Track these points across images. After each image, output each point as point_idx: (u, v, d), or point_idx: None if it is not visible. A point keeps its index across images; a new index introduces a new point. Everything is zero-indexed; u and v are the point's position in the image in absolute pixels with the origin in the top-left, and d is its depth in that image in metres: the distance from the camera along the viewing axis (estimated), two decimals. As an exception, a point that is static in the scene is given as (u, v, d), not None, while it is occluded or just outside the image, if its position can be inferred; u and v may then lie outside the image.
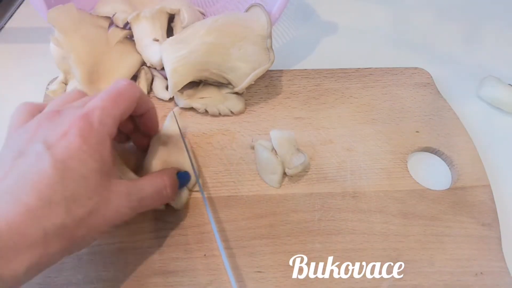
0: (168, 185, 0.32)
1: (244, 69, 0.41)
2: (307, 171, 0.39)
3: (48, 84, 0.45)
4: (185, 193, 0.36)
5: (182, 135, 0.38)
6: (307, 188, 0.38)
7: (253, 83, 0.42)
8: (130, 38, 0.47)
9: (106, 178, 0.27)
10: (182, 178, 0.35)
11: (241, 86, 0.42)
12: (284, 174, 0.38)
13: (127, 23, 0.46)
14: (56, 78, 0.45)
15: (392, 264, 0.34)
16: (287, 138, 0.39)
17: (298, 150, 0.39)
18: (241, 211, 0.37)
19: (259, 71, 0.41)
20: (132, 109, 0.30)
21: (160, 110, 0.44)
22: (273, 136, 0.39)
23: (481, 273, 0.34)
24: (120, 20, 0.45)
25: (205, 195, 0.36)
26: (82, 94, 0.32)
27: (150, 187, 0.31)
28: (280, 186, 0.38)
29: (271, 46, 0.41)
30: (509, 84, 0.46)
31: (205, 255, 0.34)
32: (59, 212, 0.24)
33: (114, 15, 0.46)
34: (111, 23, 0.46)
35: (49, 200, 0.24)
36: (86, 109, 0.28)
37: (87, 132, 0.26)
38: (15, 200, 0.24)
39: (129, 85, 0.30)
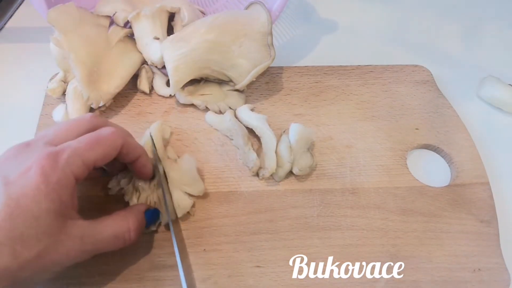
0: (132, 229, 0.30)
1: (245, 66, 0.41)
2: (313, 171, 0.39)
3: (49, 81, 0.45)
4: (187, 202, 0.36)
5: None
6: (306, 184, 0.38)
7: (254, 80, 0.42)
8: (130, 36, 0.47)
9: (61, 220, 0.26)
10: (150, 216, 0.33)
11: (242, 83, 0.42)
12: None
13: (127, 22, 0.46)
14: (57, 74, 0.45)
15: (390, 261, 0.34)
16: (307, 136, 0.39)
17: (308, 150, 0.39)
18: (241, 206, 0.37)
19: (260, 68, 0.41)
20: (111, 157, 0.30)
21: (161, 106, 0.44)
22: (294, 129, 0.39)
23: (479, 269, 0.34)
24: (120, 19, 0.46)
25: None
26: (90, 121, 0.31)
27: (109, 230, 0.29)
28: (280, 182, 0.38)
29: (272, 43, 0.41)
30: (509, 84, 0.46)
31: (204, 249, 0.34)
32: (4, 254, 0.24)
33: (114, 14, 0.46)
34: (112, 22, 0.47)
35: None
36: (58, 148, 0.27)
37: (49, 171, 0.26)
38: None
39: (112, 134, 0.30)
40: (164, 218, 0.35)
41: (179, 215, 0.35)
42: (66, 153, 0.27)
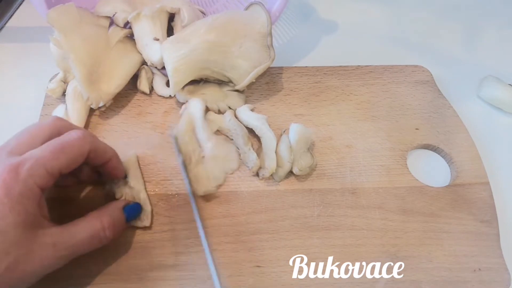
0: (106, 227, 0.30)
1: (245, 67, 0.41)
2: (313, 171, 0.39)
3: (49, 81, 0.45)
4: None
5: (138, 162, 0.38)
6: (306, 184, 0.38)
7: (253, 80, 0.42)
8: (130, 37, 0.47)
9: (29, 230, 0.26)
10: (130, 211, 0.33)
11: (242, 84, 0.42)
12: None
13: (127, 23, 0.46)
14: (57, 74, 0.45)
15: (390, 261, 0.34)
16: (307, 136, 0.39)
17: (308, 150, 0.39)
18: (241, 206, 0.37)
19: (260, 69, 0.41)
20: (77, 163, 0.30)
21: (161, 106, 0.44)
22: (293, 130, 0.39)
23: (479, 269, 0.34)
24: (120, 20, 0.46)
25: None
26: (53, 126, 0.31)
27: (83, 232, 0.29)
28: (280, 182, 0.38)
29: (272, 44, 0.41)
30: (509, 84, 0.46)
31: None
32: None
33: (114, 14, 0.46)
34: (112, 22, 0.47)
35: None
36: (20, 158, 0.27)
37: (11, 183, 0.25)
38: None
39: (78, 139, 0.29)
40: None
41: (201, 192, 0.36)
42: (28, 163, 0.27)
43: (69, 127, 0.32)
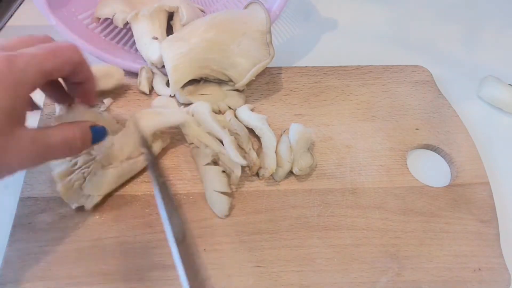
0: (78, 138, 0.31)
1: (245, 65, 0.41)
2: (313, 171, 0.39)
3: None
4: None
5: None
6: (306, 184, 0.38)
7: (253, 79, 0.42)
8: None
9: (14, 121, 0.26)
10: (96, 133, 0.33)
11: (242, 82, 0.42)
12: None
13: (127, 23, 0.46)
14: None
15: (390, 261, 0.34)
16: (307, 136, 0.39)
17: (308, 150, 0.39)
18: (241, 206, 0.37)
19: (259, 67, 0.41)
20: (66, 70, 0.30)
21: (161, 106, 0.44)
22: (294, 130, 0.39)
23: (479, 269, 0.34)
24: (119, 20, 0.46)
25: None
26: (43, 39, 0.31)
27: (58, 136, 0.30)
28: (280, 182, 0.38)
29: (271, 42, 0.41)
30: (509, 84, 0.46)
31: (204, 249, 0.34)
32: None
33: (113, 15, 0.46)
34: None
35: None
36: (15, 52, 0.27)
37: (7, 72, 0.26)
38: None
39: (71, 47, 0.30)
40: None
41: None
42: (24, 57, 0.27)
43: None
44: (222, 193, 0.36)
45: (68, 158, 0.36)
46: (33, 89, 0.28)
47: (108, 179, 0.36)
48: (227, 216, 0.36)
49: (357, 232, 0.36)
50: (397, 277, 0.33)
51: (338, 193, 0.38)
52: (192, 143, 0.39)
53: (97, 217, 0.36)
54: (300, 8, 0.59)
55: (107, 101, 0.43)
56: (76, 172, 0.35)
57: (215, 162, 0.38)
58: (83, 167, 0.35)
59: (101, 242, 0.35)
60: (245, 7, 0.45)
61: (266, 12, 0.42)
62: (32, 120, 0.42)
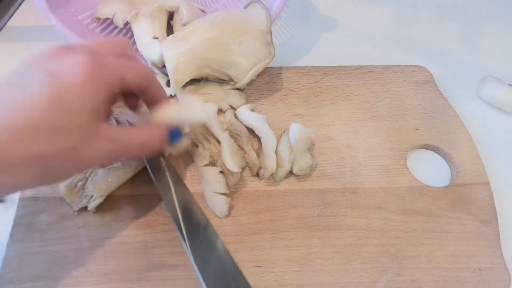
0: (156, 139, 0.32)
1: (245, 64, 0.41)
2: (313, 171, 0.39)
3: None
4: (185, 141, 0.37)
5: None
6: (306, 184, 0.38)
7: (254, 78, 0.42)
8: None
9: (96, 119, 0.27)
10: (172, 135, 0.35)
11: (242, 81, 0.42)
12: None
13: (127, 23, 0.46)
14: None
15: (390, 261, 0.34)
16: (307, 136, 0.39)
17: (308, 150, 0.39)
18: (241, 206, 0.37)
19: (260, 66, 0.41)
20: (140, 87, 0.31)
21: (161, 106, 0.44)
22: (293, 130, 0.39)
23: (479, 269, 0.34)
24: (120, 20, 0.46)
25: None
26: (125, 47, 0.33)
27: (137, 136, 0.31)
28: (280, 182, 0.38)
29: (271, 41, 0.41)
30: (509, 84, 0.46)
31: (205, 249, 0.34)
32: (41, 140, 0.24)
33: (114, 15, 0.46)
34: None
35: (36, 126, 0.24)
36: (104, 55, 0.28)
37: (97, 71, 0.27)
38: (3, 119, 0.24)
39: (146, 67, 0.32)
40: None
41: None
42: (111, 63, 0.28)
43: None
44: (221, 193, 0.36)
45: None
46: (114, 91, 0.29)
47: (110, 178, 0.36)
48: (227, 216, 0.36)
49: (357, 232, 0.36)
50: (397, 277, 0.33)
51: (338, 193, 0.38)
52: (193, 142, 0.39)
53: (97, 217, 0.36)
54: (300, 8, 0.59)
55: None
56: None
57: (213, 163, 0.38)
58: None
59: (101, 242, 0.35)
60: (245, 7, 0.45)
61: (267, 11, 0.42)
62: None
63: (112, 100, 0.31)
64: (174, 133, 0.35)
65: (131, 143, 0.30)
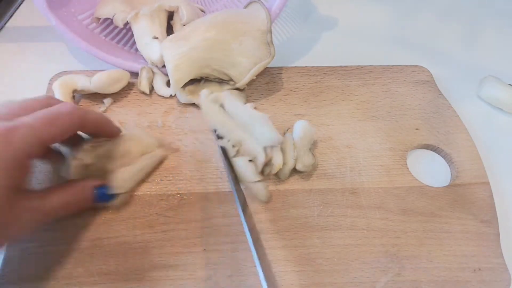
0: (79, 200, 0.32)
1: (245, 64, 0.41)
2: (314, 171, 0.39)
3: (50, 80, 0.45)
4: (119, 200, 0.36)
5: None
6: (306, 184, 0.38)
7: (254, 78, 0.42)
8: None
9: (14, 195, 0.27)
10: (100, 193, 0.34)
11: (243, 81, 0.42)
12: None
13: (127, 23, 0.46)
14: (59, 73, 0.45)
15: (390, 261, 0.34)
16: (310, 133, 0.39)
17: (310, 150, 0.39)
18: (241, 206, 0.37)
19: (260, 66, 0.41)
20: (69, 133, 0.30)
21: (161, 106, 0.44)
22: (298, 126, 0.39)
23: (479, 269, 0.34)
24: (119, 20, 0.46)
25: (204, 191, 0.36)
26: (45, 102, 0.31)
27: (59, 199, 0.30)
28: (285, 180, 0.38)
29: (271, 41, 0.41)
30: (509, 84, 0.46)
31: (204, 249, 0.34)
32: None
33: (114, 15, 0.46)
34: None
35: None
36: (13, 123, 0.27)
37: (3, 150, 0.26)
38: None
39: (70, 112, 0.30)
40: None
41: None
42: (20, 131, 0.27)
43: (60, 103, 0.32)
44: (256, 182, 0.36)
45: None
46: (31, 159, 0.28)
47: (127, 176, 0.36)
48: (269, 199, 0.37)
49: (357, 232, 0.36)
50: (397, 277, 0.33)
51: (338, 193, 0.38)
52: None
53: (97, 217, 0.36)
54: (300, 8, 0.59)
55: (107, 101, 0.43)
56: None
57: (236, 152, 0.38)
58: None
59: (101, 242, 0.35)
60: (245, 7, 0.45)
61: (267, 11, 0.42)
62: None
63: (37, 158, 0.30)
64: (102, 191, 0.34)
65: (53, 207, 0.30)
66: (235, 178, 0.37)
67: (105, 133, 0.35)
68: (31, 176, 0.30)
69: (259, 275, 0.29)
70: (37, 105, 0.30)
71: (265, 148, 0.36)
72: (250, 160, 0.37)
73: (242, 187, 0.37)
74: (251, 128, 0.38)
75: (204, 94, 0.40)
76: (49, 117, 0.28)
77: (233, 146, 0.38)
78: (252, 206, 0.37)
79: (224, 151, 0.38)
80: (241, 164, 0.37)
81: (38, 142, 0.28)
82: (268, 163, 0.38)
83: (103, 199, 0.34)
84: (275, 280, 0.31)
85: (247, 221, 0.33)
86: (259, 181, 0.36)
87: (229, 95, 0.40)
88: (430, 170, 0.40)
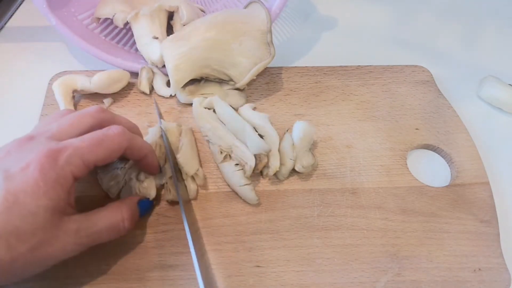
0: (126, 218, 0.31)
1: (245, 64, 0.41)
2: (314, 171, 0.39)
3: (50, 80, 0.45)
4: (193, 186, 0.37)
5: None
6: (306, 184, 0.38)
7: (254, 78, 0.42)
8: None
9: (57, 216, 0.27)
10: (142, 206, 0.34)
11: (243, 81, 0.42)
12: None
13: (127, 23, 0.46)
14: (59, 73, 0.45)
15: (390, 261, 0.34)
16: (310, 135, 0.39)
17: (310, 150, 0.39)
18: (241, 206, 0.37)
19: (260, 66, 0.41)
20: (113, 158, 0.30)
21: (161, 106, 0.44)
22: (298, 127, 0.39)
23: (479, 269, 0.34)
24: (120, 20, 0.46)
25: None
26: (97, 116, 0.32)
27: (104, 222, 0.30)
28: (283, 180, 0.38)
29: (271, 41, 0.41)
30: (509, 84, 0.46)
31: (204, 249, 0.34)
32: None
33: (114, 15, 0.46)
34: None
35: None
36: (59, 145, 0.28)
37: (49, 169, 0.26)
38: None
39: (117, 135, 0.30)
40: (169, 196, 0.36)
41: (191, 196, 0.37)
42: (67, 152, 0.27)
43: (111, 120, 0.32)
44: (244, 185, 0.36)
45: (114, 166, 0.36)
46: (77, 180, 0.28)
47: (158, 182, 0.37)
48: (258, 202, 0.36)
49: (357, 232, 0.36)
50: (397, 277, 0.33)
51: (338, 193, 0.38)
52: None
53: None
54: (300, 8, 0.59)
55: (107, 101, 0.43)
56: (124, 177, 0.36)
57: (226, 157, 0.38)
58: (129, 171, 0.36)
59: (101, 242, 0.35)
60: (245, 7, 0.45)
61: (267, 11, 0.42)
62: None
63: (82, 180, 0.30)
64: (144, 204, 0.35)
65: (97, 230, 0.29)
66: (177, 172, 0.37)
67: (147, 166, 0.35)
68: (73, 197, 0.29)
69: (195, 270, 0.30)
70: (88, 122, 0.31)
71: (256, 154, 0.37)
72: (236, 164, 0.37)
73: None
74: (242, 134, 0.38)
75: (196, 103, 0.41)
76: (97, 140, 0.29)
77: (221, 152, 0.38)
78: (253, 206, 0.37)
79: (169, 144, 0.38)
80: (228, 169, 0.37)
81: (83, 164, 0.28)
82: (266, 165, 0.38)
83: (146, 211, 0.35)
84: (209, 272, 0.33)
85: (186, 216, 0.34)
86: (246, 184, 0.36)
87: (220, 101, 0.40)
88: (430, 170, 0.40)
